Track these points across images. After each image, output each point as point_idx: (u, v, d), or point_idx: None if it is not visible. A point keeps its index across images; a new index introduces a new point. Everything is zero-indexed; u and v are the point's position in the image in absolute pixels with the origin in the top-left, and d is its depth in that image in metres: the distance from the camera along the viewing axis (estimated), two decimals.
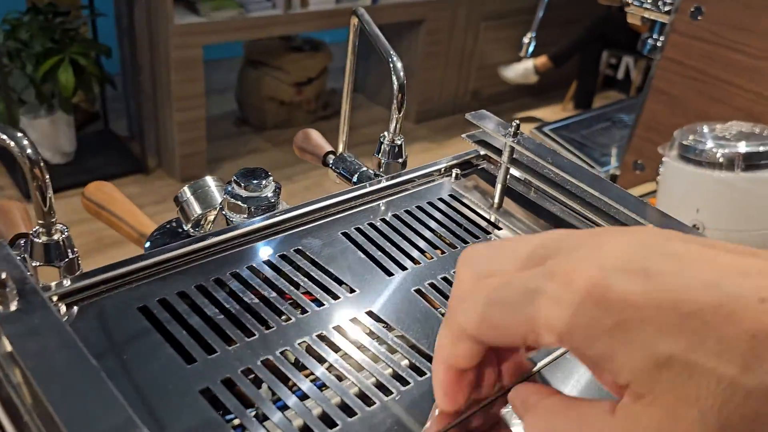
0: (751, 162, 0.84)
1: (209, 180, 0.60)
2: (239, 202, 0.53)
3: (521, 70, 3.64)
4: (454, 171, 0.61)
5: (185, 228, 0.61)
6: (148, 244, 0.64)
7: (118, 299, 0.41)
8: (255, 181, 0.54)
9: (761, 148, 0.84)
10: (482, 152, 0.63)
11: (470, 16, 3.50)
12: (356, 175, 0.67)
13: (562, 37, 3.52)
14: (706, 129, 0.91)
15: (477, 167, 0.64)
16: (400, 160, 0.64)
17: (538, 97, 3.95)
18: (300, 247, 0.48)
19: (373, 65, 3.59)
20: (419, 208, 0.56)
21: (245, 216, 0.54)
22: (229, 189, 0.54)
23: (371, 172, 0.66)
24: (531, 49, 1.31)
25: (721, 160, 0.85)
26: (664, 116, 1.10)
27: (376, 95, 3.70)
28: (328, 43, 3.44)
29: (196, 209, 0.59)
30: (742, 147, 0.85)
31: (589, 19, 3.56)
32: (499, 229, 0.56)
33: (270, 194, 0.54)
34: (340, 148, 0.79)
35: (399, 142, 0.63)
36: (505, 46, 3.67)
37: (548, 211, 0.59)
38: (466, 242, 0.53)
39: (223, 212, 0.55)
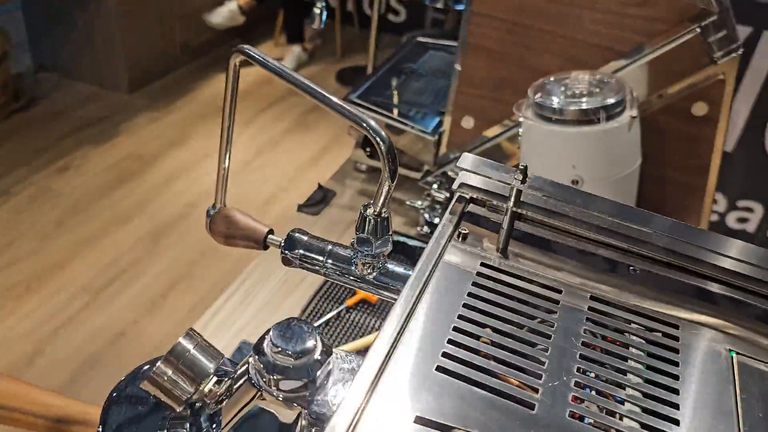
0: (610, 112, 0.90)
1: (186, 344, 0.46)
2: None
3: (226, 12, 3.45)
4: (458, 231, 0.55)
5: (176, 410, 0.46)
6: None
7: None
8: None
9: (615, 98, 0.90)
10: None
11: None
12: (328, 259, 0.57)
13: None
14: (556, 86, 0.95)
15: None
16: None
17: (248, 36, 3.80)
18: None
19: (61, 35, 3.08)
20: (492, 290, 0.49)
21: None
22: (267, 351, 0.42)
23: (347, 251, 0.56)
24: None
25: (586, 115, 0.89)
26: (485, 70, 1.13)
27: (74, 71, 3.22)
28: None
29: (188, 388, 0.45)
30: (601, 99, 0.90)
31: None
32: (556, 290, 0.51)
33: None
34: (218, 203, 0.65)
35: (386, 215, 0.54)
36: None
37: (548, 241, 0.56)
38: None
39: (253, 382, 0.43)
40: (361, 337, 0.98)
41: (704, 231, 0.54)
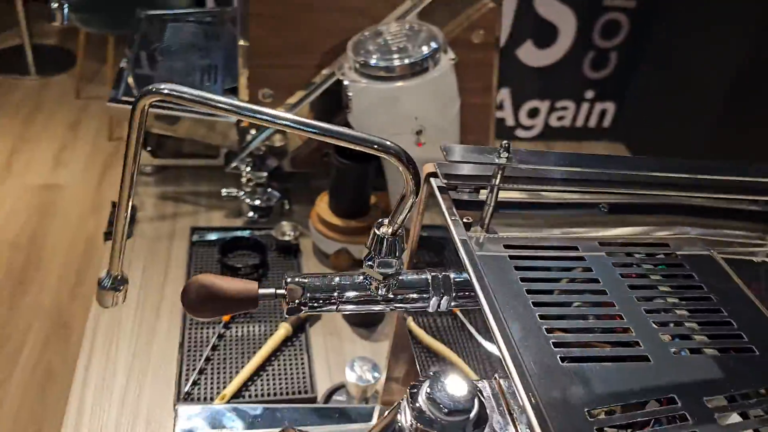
0: (435, 60, 0.94)
1: None
2: None
3: None
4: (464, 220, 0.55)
5: None
6: None
7: None
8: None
9: (435, 44, 0.94)
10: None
11: None
12: (340, 293, 0.53)
13: None
14: (371, 42, 0.96)
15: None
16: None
17: None
18: None
19: None
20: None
21: None
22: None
23: (356, 277, 0.53)
24: None
25: (416, 67, 0.92)
26: (276, 39, 1.07)
27: None
28: None
29: None
30: (424, 49, 0.94)
31: None
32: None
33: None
34: (114, 269, 0.56)
35: (401, 233, 0.52)
36: None
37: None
38: None
39: None
40: (257, 348, 0.92)
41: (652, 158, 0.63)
